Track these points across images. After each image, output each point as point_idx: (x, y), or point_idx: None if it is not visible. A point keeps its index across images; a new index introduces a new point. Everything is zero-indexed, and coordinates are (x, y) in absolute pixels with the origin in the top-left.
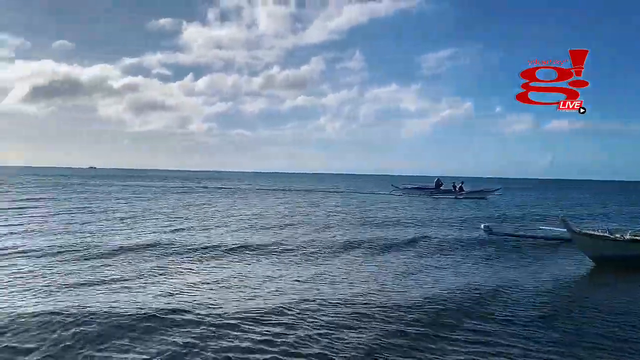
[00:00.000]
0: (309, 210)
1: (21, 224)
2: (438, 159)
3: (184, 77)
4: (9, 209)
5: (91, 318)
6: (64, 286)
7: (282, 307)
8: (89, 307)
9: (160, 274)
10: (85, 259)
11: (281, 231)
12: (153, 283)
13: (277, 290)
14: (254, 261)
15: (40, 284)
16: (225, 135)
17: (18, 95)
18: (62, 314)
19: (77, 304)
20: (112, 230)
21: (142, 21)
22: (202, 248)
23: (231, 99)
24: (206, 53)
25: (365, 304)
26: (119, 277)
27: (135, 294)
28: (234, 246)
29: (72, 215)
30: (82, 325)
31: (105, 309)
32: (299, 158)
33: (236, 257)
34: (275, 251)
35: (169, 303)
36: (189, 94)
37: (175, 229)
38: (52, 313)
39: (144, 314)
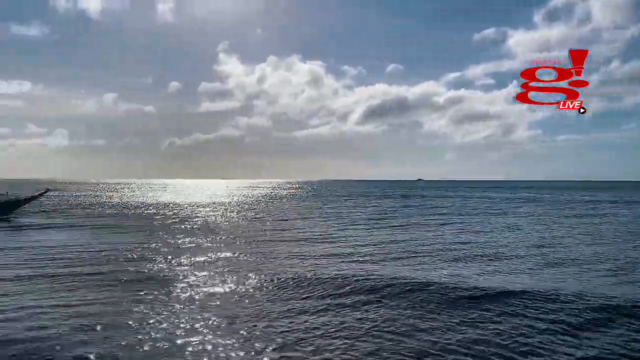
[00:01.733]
0: None
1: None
2: None
3: (508, 85)
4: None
5: None
6: None
7: None
8: None
9: None
10: None
11: None
12: None
13: None
14: None
15: None
16: (551, 142)
17: (356, 118)
18: None
19: None
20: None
21: (466, 36)
22: None
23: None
24: (532, 57)
25: None
26: None
27: None
28: None
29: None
30: None
31: None
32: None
33: None
34: None
35: None
36: (512, 101)
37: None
38: None
39: None
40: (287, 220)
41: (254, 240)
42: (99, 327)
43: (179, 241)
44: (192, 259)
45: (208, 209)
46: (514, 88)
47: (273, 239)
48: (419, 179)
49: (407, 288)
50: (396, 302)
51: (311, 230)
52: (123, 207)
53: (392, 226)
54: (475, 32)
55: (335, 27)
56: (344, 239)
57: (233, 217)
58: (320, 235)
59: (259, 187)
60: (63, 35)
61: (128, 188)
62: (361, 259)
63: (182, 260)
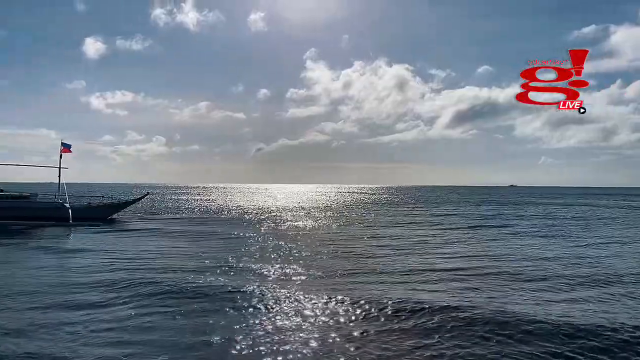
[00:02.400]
0: None
1: None
2: None
3: (609, 85)
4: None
5: None
6: None
7: None
8: None
9: None
10: None
11: None
12: None
13: None
14: None
15: None
16: None
17: (444, 122)
18: None
19: None
20: None
21: (562, 35)
22: None
23: None
24: (639, 55)
25: None
26: None
27: None
28: None
29: None
30: None
31: None
32: None
33: None
34: None
35: None
36: (615, 102)
37: None
38: None
39: None
40: (378, 227)
41: (344, 251)
42: (179, 343)
43: (270, 250)
44: (280, 271)
45: (297, 214)
46: (616, 89)
47: (365, 248)
48: (512, 185)
49: (500, 322)
50: (487, 341)
51: (402, 239)
52: (214, 212)
53: (487, 237)
54: (574, 30)
55: (423, 30)
56: (435, 251)
57: (322, 223)
58: (412, 245)
59: (346, 192)
60: (162, 48)
61: (219, 192)
62: (454, 278)
63: (271, 272)
